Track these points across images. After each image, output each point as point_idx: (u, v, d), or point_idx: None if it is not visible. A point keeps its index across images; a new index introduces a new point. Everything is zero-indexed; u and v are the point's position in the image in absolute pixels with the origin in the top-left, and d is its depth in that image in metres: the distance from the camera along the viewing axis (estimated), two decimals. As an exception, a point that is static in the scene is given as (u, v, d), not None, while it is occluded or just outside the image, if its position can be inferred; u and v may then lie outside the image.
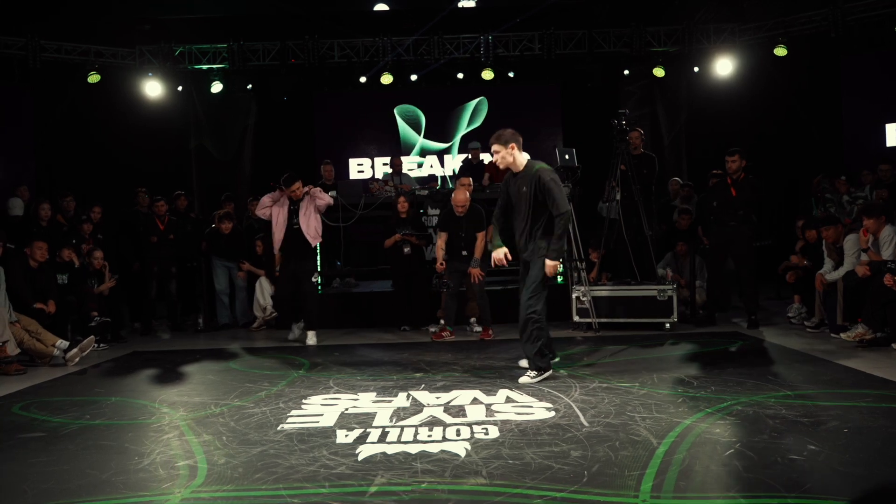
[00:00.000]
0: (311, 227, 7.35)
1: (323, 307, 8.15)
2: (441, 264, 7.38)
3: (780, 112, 11.74)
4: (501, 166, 5.34)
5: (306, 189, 7.42)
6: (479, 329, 7.69)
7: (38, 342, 6.52)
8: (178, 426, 4.35)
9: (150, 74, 10.98)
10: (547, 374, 5.21)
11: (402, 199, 8.19)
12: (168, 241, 8.79)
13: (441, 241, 7.44)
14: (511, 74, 12.34)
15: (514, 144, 5.29)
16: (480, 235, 7.25)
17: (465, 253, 7.33)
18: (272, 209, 7.40)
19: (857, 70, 11.77)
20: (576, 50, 11.09)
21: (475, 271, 7.14)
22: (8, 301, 6.62)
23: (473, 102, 13.39)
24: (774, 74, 11.22)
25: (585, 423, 4.06)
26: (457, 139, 13.39)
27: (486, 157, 12.57)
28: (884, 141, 11.48)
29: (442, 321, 7.70)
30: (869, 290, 6.20)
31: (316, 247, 7.65)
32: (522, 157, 5.32)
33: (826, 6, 10.28)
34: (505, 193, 5.48)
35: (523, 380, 5.14)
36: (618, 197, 7.90)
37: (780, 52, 10.57)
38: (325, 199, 7.43)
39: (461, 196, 7.28)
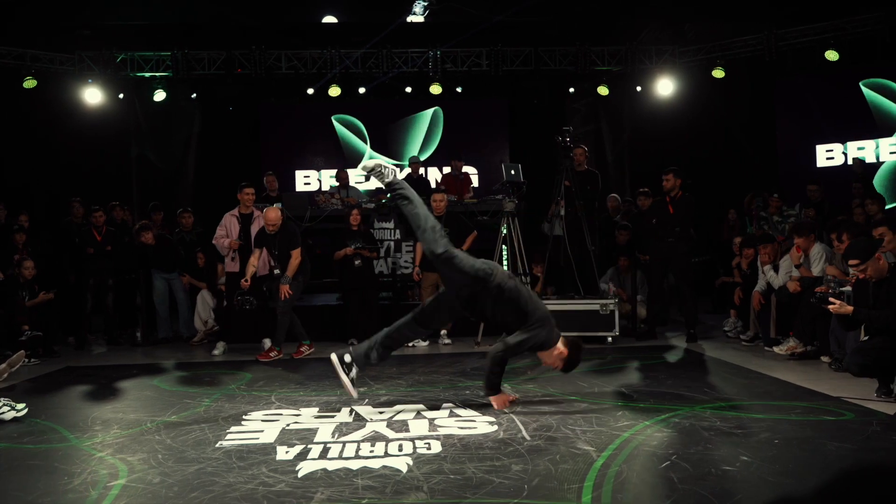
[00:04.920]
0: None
1: (264, 321, 8.05)
2: (246, 281, 7.27)
3: (718, 131, 12.14)
4: None
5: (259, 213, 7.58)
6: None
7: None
8: (111, 444, 4.21)
9: (90, 81, 10.69)
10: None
11: (354, 211, 8.17)
12: (105, 252, 8.54)
13: (254, 257, 7.34)
14: (459, 90, 12.45)
15: None
16: (294, 253, 7.21)
17: (276, 271, 7.30)
18: (224, 242, 7.66)
19: (790, 93, 12.28)
20: (522, 67, 11.25)
21: (283, 288, 7.12)
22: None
23: (423, 113, 13.42)
24: (713, 95, 11.60)
25: (527, 437, 4.09)
26: (404, 154, 13.39)
27: (430, 172, 12.72)
28: (814, 161, 11.97)
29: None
30: (800, 305, 6.43)
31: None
32: None
33: (761, 31, 10.70)
34: None
35: None
36: (562, 213, 8.03)
37: (718, 74, 10.95)
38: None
39: (272, 214, 7.21)
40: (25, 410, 4.89)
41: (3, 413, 4.80)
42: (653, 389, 5.33)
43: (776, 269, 7.04)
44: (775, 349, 6.63)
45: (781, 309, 6.81)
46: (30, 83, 10.29)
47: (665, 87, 11.27)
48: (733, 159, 12.02)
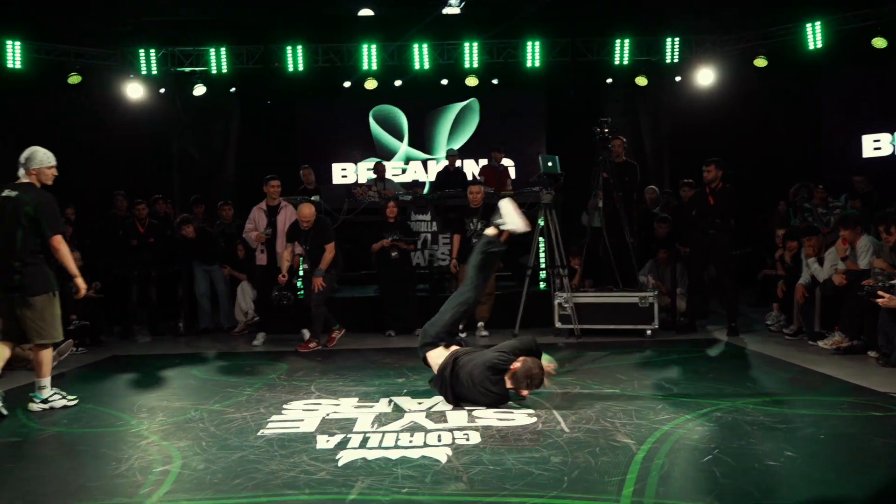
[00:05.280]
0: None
1: (303, 312, 8.15)
2: (283, 276, 7.37)
3: (760, 121, 11.88)
4: None
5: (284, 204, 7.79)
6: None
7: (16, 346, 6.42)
8: (157, 431, 4.31)
9: (131, 76, 10.90)
10: None
11: (391, 203, 8.22)
12: (148, 244, 8.71)
13: (287, 252, 7.43)
14: (495, 81, 12.39)
15: None
16: (328, 248, 7.28)
17: (305, 266, 7.38)
18: (252, 235, 7.80)
19: (836, 82, 11.96)
20: (559, 58, 11.16)
21: (317, 281, 7.20)
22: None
23: (460, 105, 13.44)
24: (755, 85, 11.35)
25: (566, 429, 4.08)
26: (440, 146, 13.42)
27: (467, 164, 12.71)
28: (860, 152, 11.65)
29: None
30: (846, 298, 6.29)
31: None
32: None
33: (805, 18, 10.43)
34: None
35: None
36: (600, 205, 7.95)
37: (760, 63, 10.71)
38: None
39: (307, 210, 7.28)
40: (76, 401, 5.03)
41: (55, 401, 4.95)
42: (693, 383, 5.27)
43: (821, 262, 6.89)
44: (820, 343, 6.49)
45: (826, 302, 6.66)
46: (74, 79, 10.52)
47: (705, 76, 11.07)
48: (775, 150, 11.77)
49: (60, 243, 4.94)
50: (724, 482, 3.20)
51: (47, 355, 5.00)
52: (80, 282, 5.12)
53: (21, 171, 4.97)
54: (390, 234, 8.00)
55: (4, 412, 4.82)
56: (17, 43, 10.14)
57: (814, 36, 10.37)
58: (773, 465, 3.42)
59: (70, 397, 5.03)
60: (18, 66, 10.19)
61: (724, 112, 11.51)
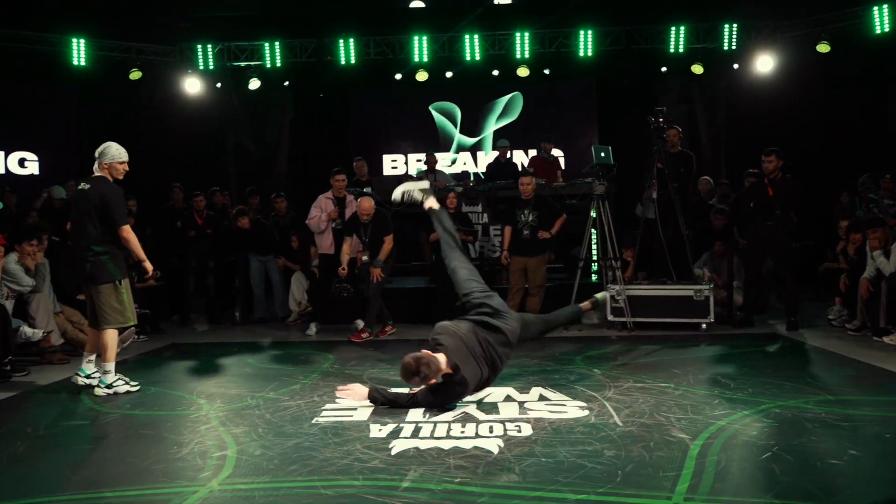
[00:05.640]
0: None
1: (354, 303, 8.24)
2: (343, 269, 7.46)
3: (823, 110, 11.49)
4: None
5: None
6: None
7: (80, 332, 6.68)
8: (215, 417, 4.42)
9: (189, 71, 11.16)
10: None
11: (451, 194, 8.27)
12: (206, 235, 8.93)
13: (346, 245, 7.54)
14: (547, 71, 12.27)
15: None
16: (387, 239, 7.38)
17: (364, 258, 7.47)
18: (322, 216, 7.93)
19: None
20: (612, 47, 10.98)
21: (375, 271, 7.29)
22: (53, 292, 6.81)
23: (506, 98, 13.40)
24: (817, 71, 10.97)
25: (619, 423, 4.03)
26: (488, 134, 13.40)
27: (517, 155, 12.65)
28: (931, 140, 11.16)
29: None
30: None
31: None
32: None
33: (871, 2, 10.01)
34: None
35: None
36: (654, 196, 7.81)
37: (823, 48, 10.33)
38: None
39: (366, 204, 7.39)
40: (138, 387, 5.21)
41: (118, 386, 5.13)
42: (750, 378, 5.14)
43: (887, 255, 6.64)
44: (885, 339, 6.27)
45: (892, 297, 6.41)
46: (135, 75, 10.84)
47: (765, 63, 10.74)
48: (839, 139, 11.35)
49: (129, 233, 5.22)
50: (784, 479, 3.12)
51: (111, 338, 5.20)
52: (147, 265, 5.39)
53: (95, 165, 5.23)
54: None
55: (82, 381, 5.16)
56: (82, 40, 10.52)
57: (881, 20, 9.94)
58: (835, 463, 3.32)
59: (132, 383, 5.21)
60: (83, 62, 10.56)
61: (784, 100, 11.15)
